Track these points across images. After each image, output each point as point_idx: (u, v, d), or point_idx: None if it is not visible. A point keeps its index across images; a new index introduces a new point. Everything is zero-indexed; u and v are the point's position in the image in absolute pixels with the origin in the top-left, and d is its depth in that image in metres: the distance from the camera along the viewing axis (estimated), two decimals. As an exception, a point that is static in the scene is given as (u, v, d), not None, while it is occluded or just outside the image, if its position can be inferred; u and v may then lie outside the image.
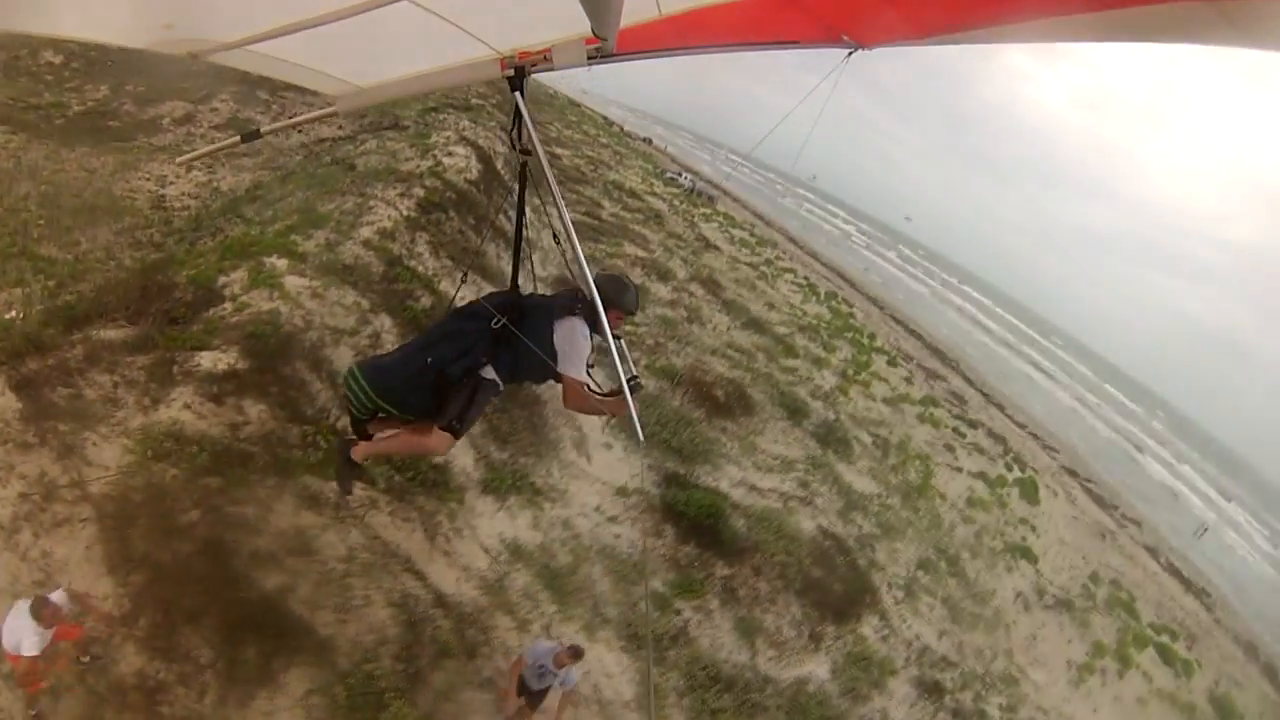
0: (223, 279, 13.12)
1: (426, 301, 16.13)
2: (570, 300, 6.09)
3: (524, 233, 6.15)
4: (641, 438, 5.00)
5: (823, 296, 45.80)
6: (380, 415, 6.24)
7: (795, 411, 26.24)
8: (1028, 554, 26.34)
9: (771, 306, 38.72)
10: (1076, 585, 26.09)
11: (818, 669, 15.80)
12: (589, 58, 5.02)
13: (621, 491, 17.02)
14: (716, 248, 44.84)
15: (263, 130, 5.98)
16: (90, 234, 17.49)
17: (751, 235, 54.71)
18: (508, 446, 14.88)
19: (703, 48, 5.49)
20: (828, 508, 21.44)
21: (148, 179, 19.86)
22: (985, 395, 43.73)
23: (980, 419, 36.45)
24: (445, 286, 16.91)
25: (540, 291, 6.55)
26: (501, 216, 19.93)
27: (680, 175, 68.87)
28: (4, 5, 3.65)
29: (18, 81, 25.71)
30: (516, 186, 5.93)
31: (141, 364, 10.71)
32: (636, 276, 26.32)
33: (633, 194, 40.73)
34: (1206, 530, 58.99)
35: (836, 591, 17.96)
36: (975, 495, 28.44)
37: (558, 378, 6.07)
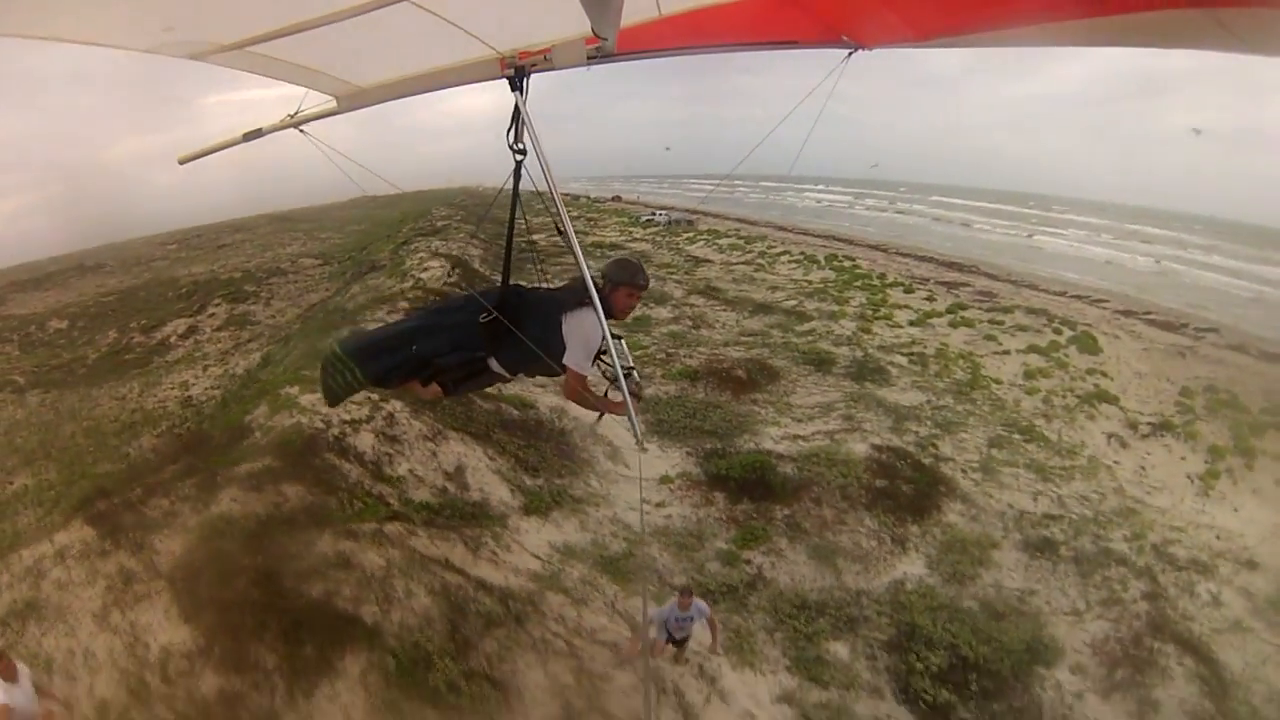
0: (248, 417, 14.37)
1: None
2: (580, 292, 6.09)
3: (514, 230, 6.27)
4: (640, 437, 5.19)
5: (823, 262, 45.05)
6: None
7: (822, 363, 26.75)
8: (1105, 396, 25.79)
9: (775, 289, 39.16)
10: (1169, 406, 25.11)
11: (911, 568, 16.11)
12: (589, 58, 5.16)
13: (665, 480, 17.70)
14: (708, 260, 46.25)
15: (264, 129, 6.06)
16: (135, 444, 20.15)
17: (740, 238, 54.37)
18: (540, 474, 15.50)
19: (702, 48, 5.57)
20: (877, 428, 21.66)
21: (173, 388, 23.50)
22: (1014, 283, 42.23)
23: (1015, 303, 35.22)
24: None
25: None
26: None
27: (655, 214, 68.56)
28: (6, 12, 3.72)
29: (35, 352, 29.93)
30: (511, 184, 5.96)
31: (190, 484, 11.77)
32: (636, 310, 26.48)
33: (614, 246, 42.68)
34: None
35: (907, 494, 18.22)
36: (1031, 367, 27.84)
37: (564, 370, 6.13)
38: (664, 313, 29.86)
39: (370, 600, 9.74)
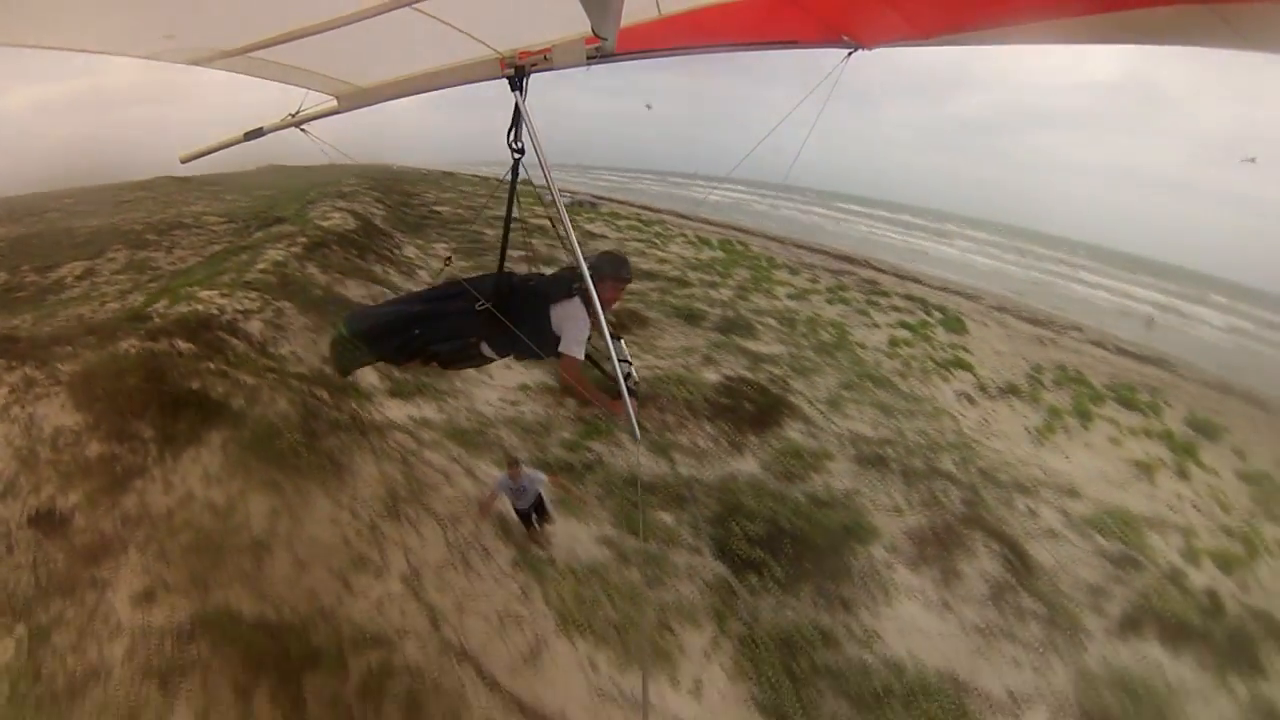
0: (150, 309, 13.22)
1: (319, 293, 16.71)
2: (568, 282, 5.83)
3: (511, 222, 5.88)
4: (638, 434, 4.74)
5: (715, 245, 43.07)
6: None
7: (693, 317, 25.32)
8: (962, 364, 24.64)
9: (663, 261, 36.72)
10: (1021, 377, 24.22)
11: (744, 466, 15.42)
12: (589, 58, 4.66)
13: (523, 387, 16.91)
14: (603, 236, 43.03)
15: (265, 129, 5.51)
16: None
17: (639, 221, 51.35)
18: (409, 372, 14.55)
19: (702, 47, 5.07)
20: (734, 366, 20.73)
21: (69, 321, 18.57)
22: (898, 276, 42.07)
23: (895, 290, 34.45)
24: (341, 290, 17.65)
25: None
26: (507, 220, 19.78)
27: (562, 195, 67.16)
28: (5, 20, 3.33)
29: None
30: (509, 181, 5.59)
31: (93, 339, 10.88)
32: (521, 268, 25.76)
33: (515, 220, 39.26)
34: (1154, 320, 55.73)
35: (750, 411, 17.38)
36: (898, 338, 26.55)
37: (555, 355, 5.86)
38: (547, 273, 28.05)
39: (239, 397, 9.91)
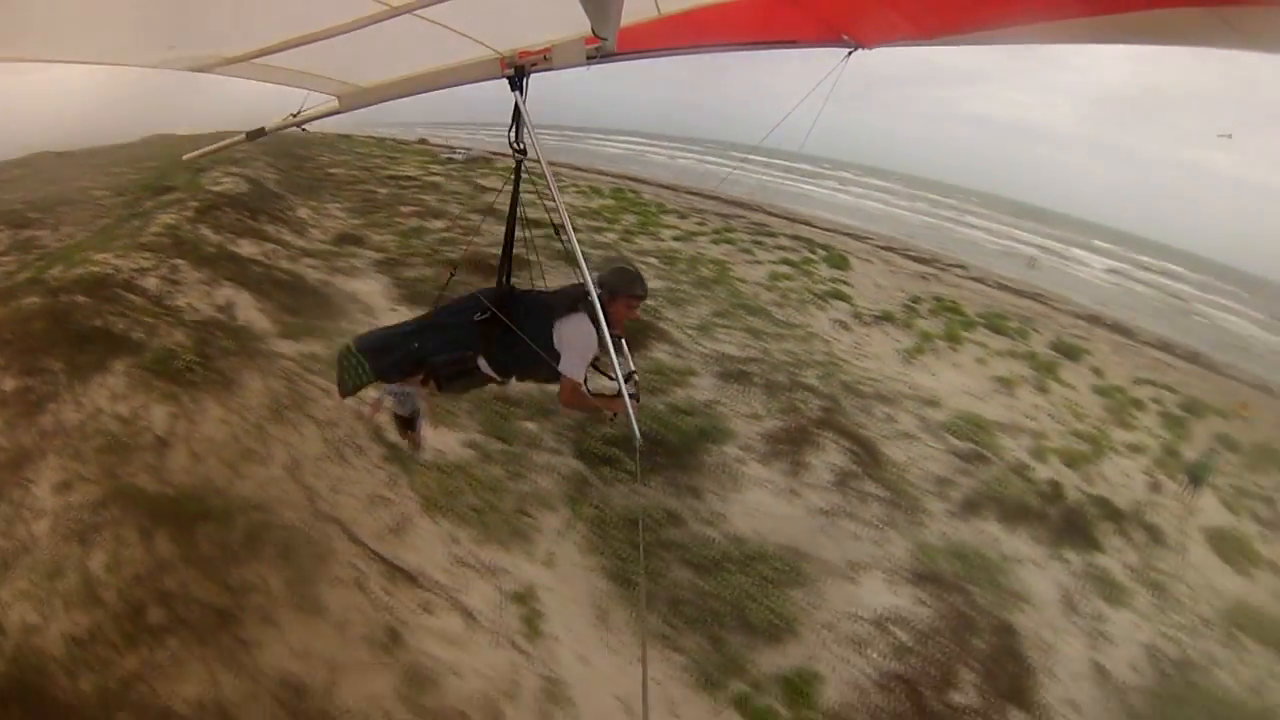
0: (45, 275, 12.71)
1: (212, 250, 15.82)
2: (573, 298, 5.02)
3: (514, 231, 5.29)
4: (639, 438, 4.35)
5: (607, 193, 40.07)
6: None
7: (570, 258, 24.47)
8: (839, 295, 23.87)
9: (551, 211, 35.05)
10: (897, 307, 23.71)
11: (607, 384, 15.10)
12: (589, 57, 4.32)
13: (393, 310, 16.41)
14: (493, 189, 39.15)
15: (267, 129, 5.00)
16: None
17: (534, 175, 48.62)
18: (299, 315, 14.22)
19: (702, 47, 4.73)
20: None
21: None
22: (789, 219, 41.02)
23: (783, 232, 33.42)
24: (233, 249, 16.67)
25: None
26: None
27: (455, 152, 60.81)
28: (9, 34, 3.12)
29: None
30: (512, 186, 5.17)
31: None
32: (412, 221, 24.08)
33: (409, 178, 36.32)
34: (1035, 260, 55.48)
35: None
36: (778, 273, 25.65)
37: (559, 377, 5.09)
38: (438, 224, 26.40)
39: (139, 331, 10.22)
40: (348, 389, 5.39)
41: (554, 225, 5.11)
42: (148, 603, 6.44)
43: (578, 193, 40.33)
